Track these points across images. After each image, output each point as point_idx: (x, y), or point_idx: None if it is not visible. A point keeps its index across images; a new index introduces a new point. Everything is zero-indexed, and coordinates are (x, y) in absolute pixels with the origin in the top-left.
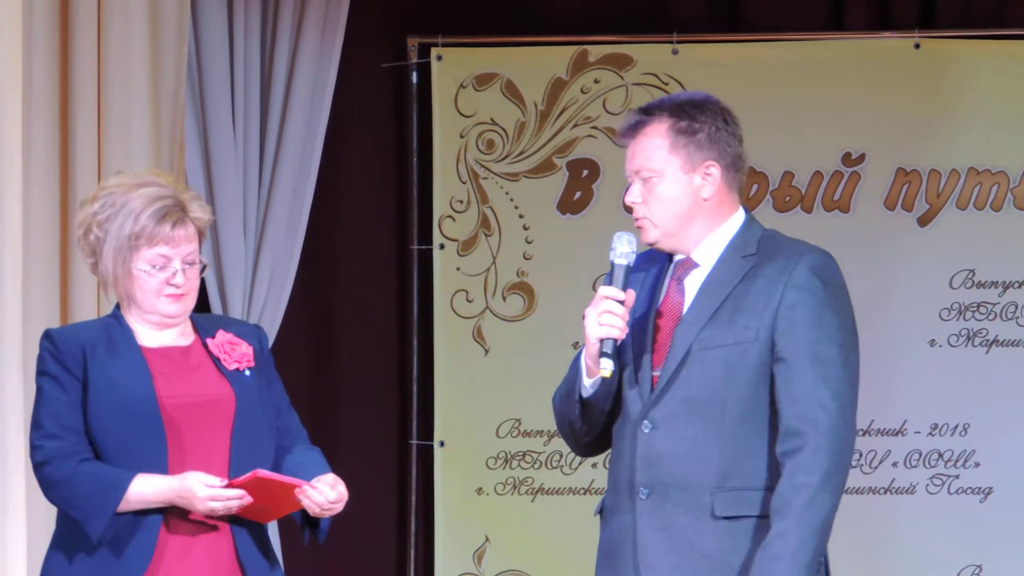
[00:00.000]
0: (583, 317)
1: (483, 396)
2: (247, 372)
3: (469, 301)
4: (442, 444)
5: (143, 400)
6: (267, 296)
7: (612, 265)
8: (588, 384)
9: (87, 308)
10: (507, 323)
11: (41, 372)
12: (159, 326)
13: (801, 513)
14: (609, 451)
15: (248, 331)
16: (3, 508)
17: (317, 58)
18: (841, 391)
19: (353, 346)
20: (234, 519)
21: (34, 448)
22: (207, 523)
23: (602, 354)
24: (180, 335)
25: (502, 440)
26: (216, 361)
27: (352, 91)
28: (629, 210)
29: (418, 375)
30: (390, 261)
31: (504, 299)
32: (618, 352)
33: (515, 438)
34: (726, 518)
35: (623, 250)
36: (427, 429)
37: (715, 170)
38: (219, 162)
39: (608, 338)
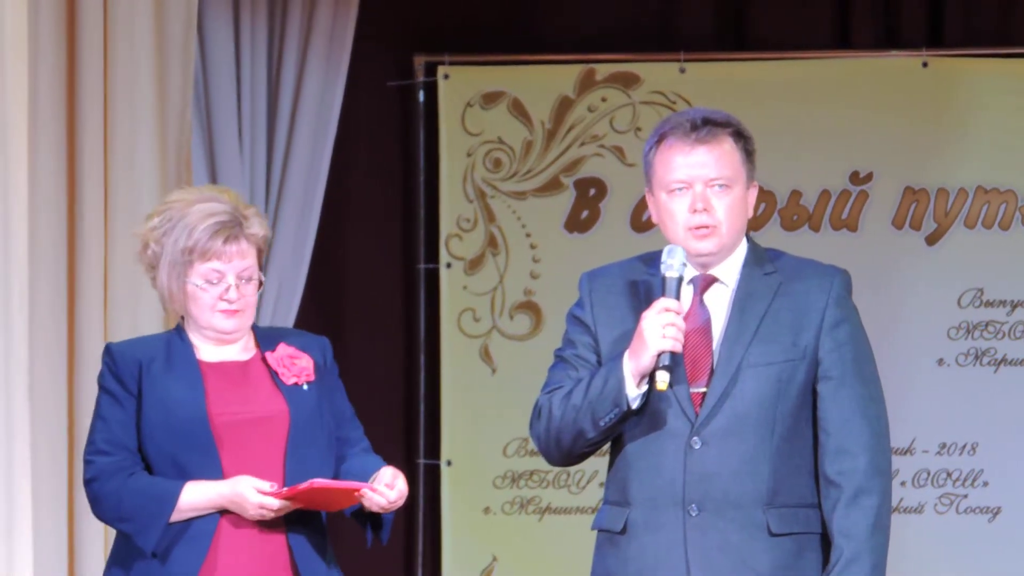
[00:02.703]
0: (640, 328)
1: (490, 415)
2: (305, 386)
3: (476, 320)
4: (449, 463)
5: (194, 418)
6: (274, 315)
7: (664, 278)
8: (636, 395)
9: (94, 327)
10: (514, 342)
11: (100, 387)
12: (218, 341)
13: (871, 536)
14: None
15: (311, 343)
16: (10, 522)
17: (324, 77)
18: (883, 409)
19: (360, 365)
20: (291, 520)
21: (85, 464)
22: (262, 524)
23: (661, 367)
24: (242, 350)
25: (509, 459)
26: (274, 375)
27: (359, 110)
28: (642, 227)
29: (425, 394)
30: (397, 280)
31: (511, 318)
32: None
33: (522, 457)
34: (782, 535)
35: (675, 263)
36: (434, 448)
37: (755, 192)
38: (226, 182)
39: (669, 351)
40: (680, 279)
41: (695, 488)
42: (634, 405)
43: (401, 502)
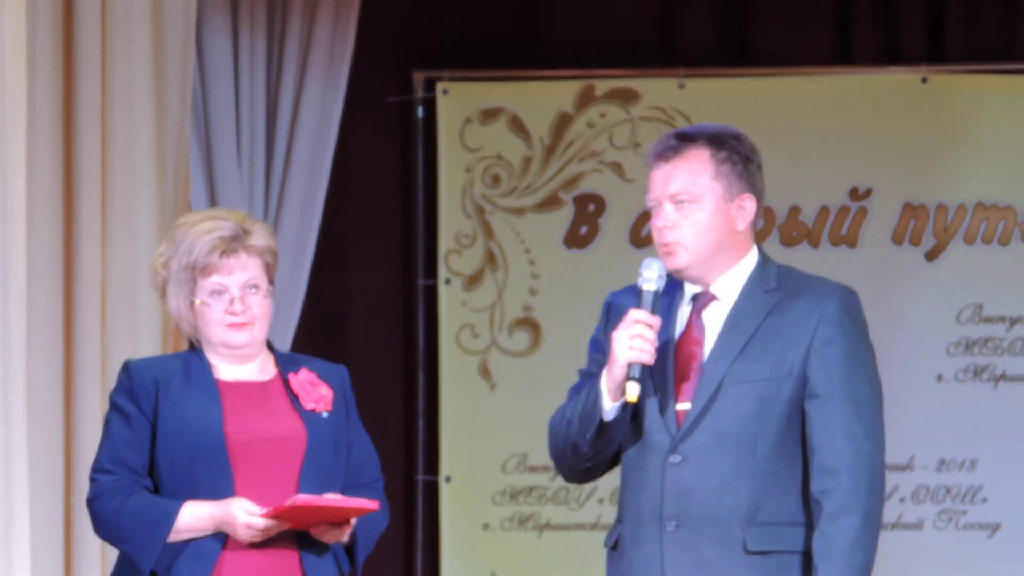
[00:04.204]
0: (611, 340)
1: (489, 431)
2: (324, 414)
3: (475, 336)
4: (448, 479)
5: (210, 435)
6: (272, 331)
7: (641, 291)
8: (610, 408)
9: (91, 342)
10: (513, 358)
11: (112, 404)
12: (234, 359)
13: (849, 556)
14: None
15: (331, 373)
16: (7, 538)
17: (322, 92)
18: (874, 429)
19: (359, 381)
20: (303, 539)
21: (89, 482)
22: (274, 543)
23: (629, 378)
24: (259, 371)
25: (508, 475)
26: (294, 398)
27: (358, 125)
28: (641, 242)
29: (424, 410)
30: (396, 296)
31: (510, 334)
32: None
33: (521, 473)
34: (758, 553)
35: (652, 275)
36: (433, 464)
37: (750, 203)
38: (224, 197)
39: (637, 362)
40: (656, 292)
41: (672, 504)
42: (607, 418)
43: (340, 536)
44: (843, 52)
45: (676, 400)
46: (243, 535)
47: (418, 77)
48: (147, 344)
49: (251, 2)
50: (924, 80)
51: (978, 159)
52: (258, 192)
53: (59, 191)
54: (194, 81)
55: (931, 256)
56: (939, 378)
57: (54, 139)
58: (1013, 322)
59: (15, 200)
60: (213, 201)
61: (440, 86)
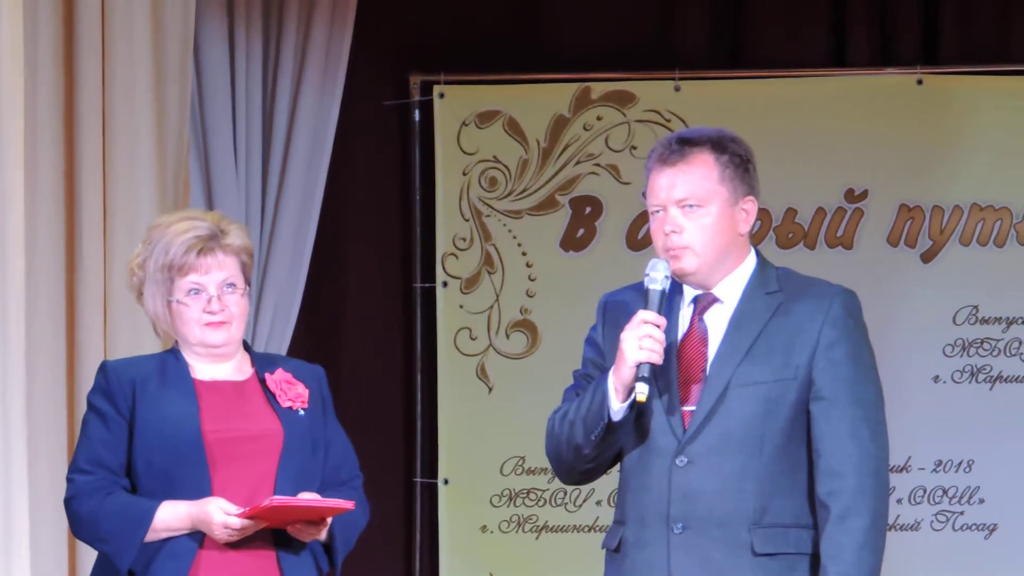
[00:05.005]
0: (620, 340)
1: (487, 434)
2: (300, 412)
3: (472, 339)
4: (446, 482)
5: (187, 432)
6: (270, 335)
7: (647, 291)
8: (618, 408)
9: (94, 345)
10: (510, 361)
11: (89, 405)
12: (211, 359)
13: (858, 558)
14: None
15: (307, 372)
16: (8, 540)
17: (319, 96)
18: (878, 431)
19: (356, 384)
20: (281, 538)
21: (67, 483)
22: (251, 543)
23: (639, 378)
24: (236, 370)
25: (506, 478)
26: (271, 397)
27: (354, 129)
28: (638, 245)
29: (422, 413)
30: (393, 299)
31: (507, 337)
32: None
33: (519, 475)
34: (765, 555)
35: (658, 276)
36: (431, 467)
37: (752, 206)
38: (221, 200)
39: (646, 362)
40: (663, 292)
41: (679, 506)
42: (616, 418)
43: (317, 534)
44: (838, 54)
45: (682, 402)
46: (220, 534)
47: (414, 80)
48: (148, 346)
49: (247, 6)
50: (919, 82)
51: (973, 160)
52: (255, 196)
53: (60, 193)
54: (191, 86)
55: (927, 257)
56: (936, 379)
57: (54, 141)
58: (1009, 323)
59: (15, 202)
60: (210, 205)
61: (437, 89)
